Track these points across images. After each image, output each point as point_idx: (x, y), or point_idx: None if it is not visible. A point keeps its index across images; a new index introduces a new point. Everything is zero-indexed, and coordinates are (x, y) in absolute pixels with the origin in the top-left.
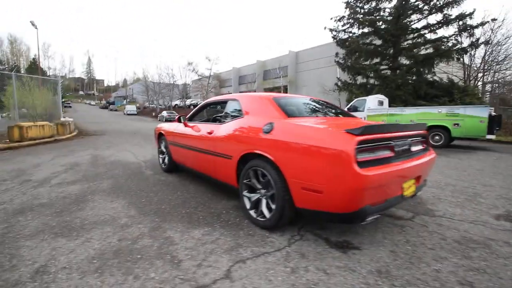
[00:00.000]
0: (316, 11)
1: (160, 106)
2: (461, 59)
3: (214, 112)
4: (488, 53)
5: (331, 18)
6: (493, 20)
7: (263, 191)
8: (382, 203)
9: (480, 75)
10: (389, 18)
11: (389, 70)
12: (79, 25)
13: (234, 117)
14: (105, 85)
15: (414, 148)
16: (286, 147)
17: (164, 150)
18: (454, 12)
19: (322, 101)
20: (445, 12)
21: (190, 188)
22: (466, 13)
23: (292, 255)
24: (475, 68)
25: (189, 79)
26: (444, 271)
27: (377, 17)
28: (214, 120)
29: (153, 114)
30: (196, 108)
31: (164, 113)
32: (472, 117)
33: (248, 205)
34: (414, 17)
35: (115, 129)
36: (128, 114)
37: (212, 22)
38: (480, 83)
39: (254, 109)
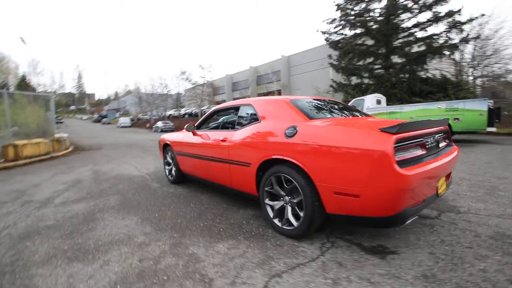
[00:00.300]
0: (306, 15)
1: (154, 117)
2: (453, 55)
3: (224, 119)
4: (477, 47)
5: (323, 21)
6: (483, 15)
7: (287, 198)
8: (421, 204)
9: (470, 70)
10: (379, 18)
11: (382, 70)
12: (67, 40)
13: (249, 122)
14: (97, 98)
15: (441, 145)
16: (315, 151)
17: (171, 161)
18: (443, 9)
19: (334, 101)
20: (434, 10)
21: (202, 199)
22: (454, 10)
23: (329, 265)
24: (465, 63)
25: (182, 88)
26: (490, 270)
27: (368, 18)
28: (225, 127)
29: (147, 125)
30: (204, 116)
31: (159, 124)
32: (472, 111)
33: (271, 214)
34: (404, 16)
35: (110, 143)
36: (122, 127)
37: (203, 30)
38: (471, 77)
39: (271, 113)
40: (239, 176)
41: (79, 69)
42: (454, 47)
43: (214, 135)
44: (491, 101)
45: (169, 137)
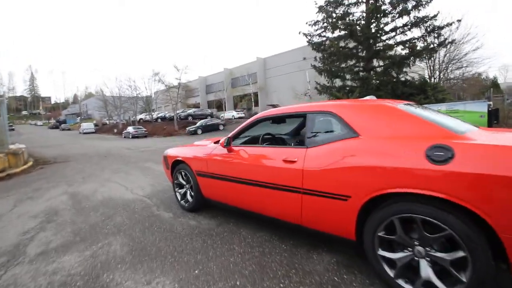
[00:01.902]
0: (282, 17)
1: (122, 122)
2: (432, 58)
3: (276, 130)
4: (451, 51)
5: (306, 23)
6: (458, 21)
7: (421, 249)
8: None
9: (442, 73)
10: (359, 22)
11: (364, 72)
12: (18, 38)
13: (333, 137)
14: (53, 102)
15: None
16: (500, 186)
17: (184, 183)
18: (421, 14)
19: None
20: (413, 14)
21: (246, 237)
22: (430, 16)
23: None
24: (437, 67)
25: (154, 90)
26: None
27: (349, 21)
28: (283, 142)
29: (115, 130)
30: (244, 125)
31: (130, 129)
32: (472, 112)
33: (390, 272)
34: (384, 20)
35: (79, 153)
36: (85, 133)
37: (175, 30)
38: (440, 80)
39: (377, 125)
40: (321, 212)
41: (31, 70)
42: (433, 51)
43: (269, 153)
44: (490, 102)
45: (182, 152)
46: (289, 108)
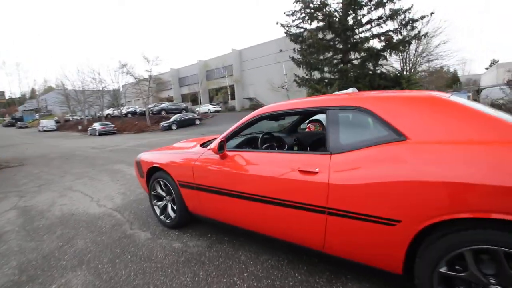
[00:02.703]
0: (257, 7)
1: (87, 117)
2: (405, 51)
3: (285, 131)
4: (423, 44)
5: (284, 13)
6: (432, 14)
7: None
8: None
9: (414, 65)
10: (336, 13)
11: (342, 64)
12: None
13: (367, 140)
14: (7, 97)
15: None
16: None
17: (164, 194)
18: (396, 7)
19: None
20: (388, 7)
21: (247, 263)
22: (404, 9)
23: None
24: (410, 60)
25: (122, 84)
26: None
27: (327, 12)
28: (297, 146)
29: (80, 127)
30: (240, 124)
31: (97, 125)
32: None
33: None
34: (361, 12)
35: (37, 154)
36: (46, 131)
37: (143, 19)
38: (412, 73)
39: (433, 125)
40: (354, 238)
41: None
42: (408, 43)
43: (278, 160)
44: (470, 93)
45: (160, 157)
46: (302, 102)
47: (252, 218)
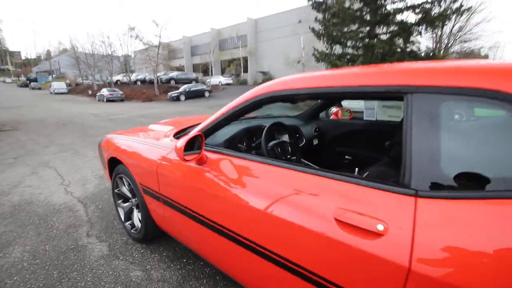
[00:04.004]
0: None
1: (97, 82)
2: (443, 26)
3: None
4: (461, 21)
5: None
6: None
7: None
8: None
9: (448, 44)
10: None
11: (367, 39)
12: None
13: None
14: (23, 58)
15: None
16: None
17: (129, 195)
18: None
19: None
20: None
21: None
22: None
23: None
24: (443, 38)
25: (132, 49)
26: None
27: None
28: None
29: (90, 92)
30: (233, 108)
31: (105, 91)
32: None
33: None
34: None
35: (36, 118)
36: (56, 93)
37: None
38: (445, 53)
39: None
40: None
41: None
42: (447, 18)
43: (292, 183)
44: None
45: (124, 145)
46: (347, 75)
47: (240, 271)
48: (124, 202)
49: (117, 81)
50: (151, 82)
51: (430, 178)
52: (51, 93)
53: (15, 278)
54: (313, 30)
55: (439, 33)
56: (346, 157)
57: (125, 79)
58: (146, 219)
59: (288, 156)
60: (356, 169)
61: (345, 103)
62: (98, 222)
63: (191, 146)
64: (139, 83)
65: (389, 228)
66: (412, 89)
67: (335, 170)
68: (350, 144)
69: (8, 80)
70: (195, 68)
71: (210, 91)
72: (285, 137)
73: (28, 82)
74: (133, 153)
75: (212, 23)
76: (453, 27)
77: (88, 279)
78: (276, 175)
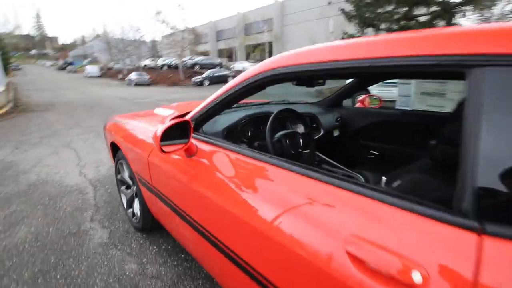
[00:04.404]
0: None
1: (128, 67)
2: (493, 7)
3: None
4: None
5: None
6: None
7: None
8: None
9: None
10: None
11: (404, 21)
12: None
13: None
14: (60, 43)
15: None
16: None
17: (130, 182)
18: None
19: None
20: None
21: None
22: None
23: None
24: (492, 20)
25: (159, 34)
26: None
27: None
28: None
29: (120, 76)
30: (229, 89)
31: (132, 76)
32: None
33: None
34: None
35: (67, 100)
36: (90, 77)
37: None
38: None
39: None
40: None
41: (36, 7)
42: None
43: (298, 192)
44: None
45: (124, 129)
46: (386, 41)
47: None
48: (126, 188)
49: (145, 65)
50: (176, 67)
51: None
52: (85, 76)
53: (14, 260)
54: (343, 11)
55: (488, 14)
56: (372, 152)
57: (152, 64)
58: (144, 209)
59: (299, 150)
60: (383, 178)
61: (375, 91)
62: (104, 207)
63: (178, 134)
64: (165, 67)
65: (430, 281)
66: (482, 59)
67: (356, 166)
68: (378, 137)
69: (48, 63)
70: (220, 53)
71: (233, 77)
72: (299, 127)
73: (65, 65)
74: (129, 139)
75: (238, 6)
76: (504, 7)
77: (83, 268)
78: (272, 176)
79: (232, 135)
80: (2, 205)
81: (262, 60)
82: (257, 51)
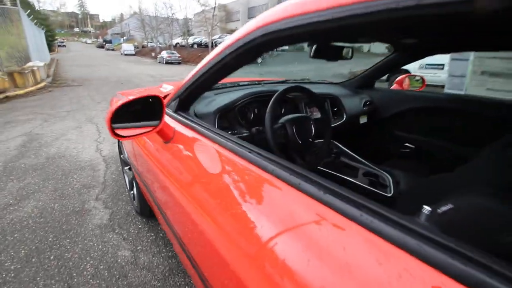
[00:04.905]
0: None
1: (160, 45)
2: None
3: None
4: None
5: None
6: None
7: None
8: None
9: None
10: None
11: None
12: None
13: None
14: (101, 20)
15: None
16: None
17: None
18: None
19: None
20: None
21: None
22: None
23: None
24: None
25: (190, 12)
26: None
27: None
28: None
29: (153, 54)
30: (218, 52)
31: (164, 54)
32: None
33: None
34: None
35: (101, 76)
36: (126, 55)
37: None
38: None
39: None
40: None
41: None
42: None
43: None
44: None
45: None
46: None
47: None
48: (129, 169)
49: (176, 43)
50: (206, 45)
51: None
52: (121, 54)
53: (15, 235)
54: None
55: None
56: (407, 145)
57: (183, 42)
58: (138, 193)
59: (310, 140)
60: (426, 209)
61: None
62: (111, 186)
63: (148, 114)
64: (195, 46)
65: None
66: None
67: (384, 163)
68: (416, 128)
69: (89, 41)
70: None
71: (263, 58)
72: (315, 112)
73: (104, 43)
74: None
75: None
76: None
77: (77, 250)
78: (250, 179)
79: (228, 118)
80: (19, 177)
81: None
82: None
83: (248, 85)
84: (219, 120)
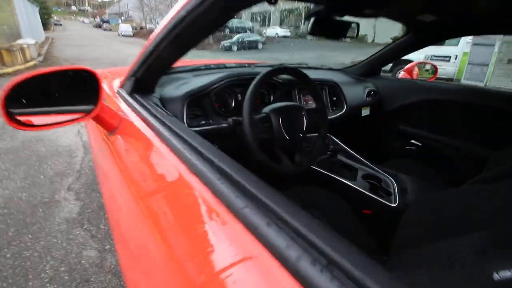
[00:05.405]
0: None
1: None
2: None
3: None
4: None
5: None
6: None
7: None
8: None
9: None
10: None
11: None
12: None
13: None
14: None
15: None
16: None
17: None
18: None
19: None
20: None
21: None
22: None
23: None
24: None
25: None
26: None
27: None
28: None
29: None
30: (179, 8)
31: None
32: None
33: None
34: None
35: (95, 57)
36: (123, 36)
37: None
38: None
39: None
40: None
41: None
42: None
43: None
44: None
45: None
46: None
47: None
48: None
49: None
50: None
51: None
52: (118, 35)
53: None
54: None
55: None
56: (413, 142)
57: None
58: None
59: (300, 135)
60: (496, 276)
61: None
62: (86, 175)
63: (84, 95)
64: None
65: None
66: None
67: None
68: (426, 122)
69: (87, 20)
70: (252, 17)
71: (264, 43)
72: (311, 102)
73: (101, 23)
74: None
75: None
76: None
77: (38, 248)
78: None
79: (203, 104)
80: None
81: (296, 27)
82: (292, 16)
83: (235, 67)
84: (190, 108)
